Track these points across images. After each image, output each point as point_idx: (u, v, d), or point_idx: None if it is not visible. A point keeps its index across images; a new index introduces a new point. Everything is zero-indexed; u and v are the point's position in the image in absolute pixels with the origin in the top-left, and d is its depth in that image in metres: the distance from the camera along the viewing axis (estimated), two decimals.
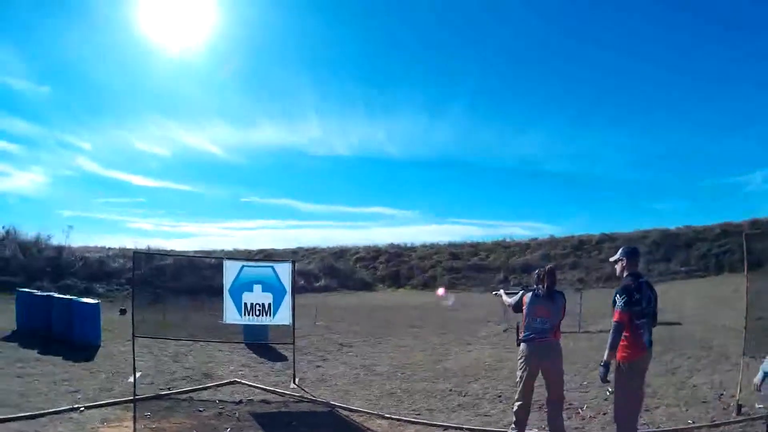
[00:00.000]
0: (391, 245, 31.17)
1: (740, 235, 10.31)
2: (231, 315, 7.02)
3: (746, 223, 24.42)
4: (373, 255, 30.10)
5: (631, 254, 4.30)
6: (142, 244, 25.20)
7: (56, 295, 11.14)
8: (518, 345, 4.84)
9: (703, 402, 6.13)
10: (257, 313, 7.09)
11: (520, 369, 4.75)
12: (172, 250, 26.11)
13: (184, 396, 6.60)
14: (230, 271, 7.04)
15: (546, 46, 52.32)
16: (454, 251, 29.89)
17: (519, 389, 4.76)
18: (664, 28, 48.41)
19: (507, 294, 5.37)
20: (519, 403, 4.75)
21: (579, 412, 5.86)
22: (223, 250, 28.72)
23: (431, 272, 27.71)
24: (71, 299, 10.48)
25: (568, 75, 52.85)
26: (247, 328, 9.12)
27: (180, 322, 10.62)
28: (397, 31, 53.48)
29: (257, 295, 7.07)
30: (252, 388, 7.12)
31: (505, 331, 11.86)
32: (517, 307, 4.89)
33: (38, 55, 44.96)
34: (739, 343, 6.00)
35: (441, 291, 23.84)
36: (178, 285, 16.06)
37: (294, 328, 7.48)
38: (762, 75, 43.95)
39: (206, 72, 48.83)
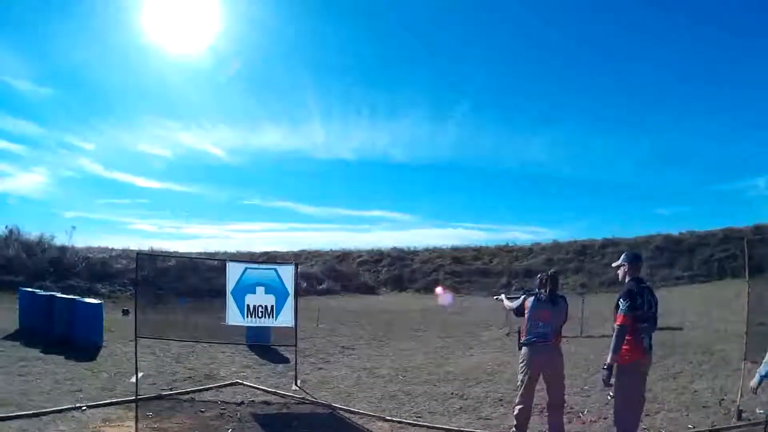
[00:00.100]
0: (394, 249, 31.17)
1: (743, 240, 10.30)
2: (234, 317, 7.03)
3: (749, 228, 24.34)
4: (376, 258, 30.12)
5: (634, 260, 4.34)
6: (144, 245, 25.27)
7: (59, 294, 11.17)
8: (520, 349, 4.85)
9: (704, 407, 6.12)
10: (260, 315, 7.11)
11: (522, 372, 4.76)
12: (175, 252, 26.23)
13: (186, 396, 6.63)
14: (233, 272, 7.05)
15: (550, 50, 52.49)
16: (457, 255, 29.87)
17: (520, 392, 4.78)
18: (668, 32, 48.42)
19: (508, 298, 5.39)
20: (520, 406, 4.76)
21: (580, 417, 5.85)
22: (225, 252, 28.82)
23: (434, 276, 27.71)
24: (74, 299, 10.51)
25: (572, 80, 52.96)
26: (250, 330, 9.14)
27: (182, 324, 10.65)
28: (401, 35, 53.69)
29: (260, 297, 7.07)
30: (254, 390, 7.14)
31: (507, 335, 11.85)
32: (520, 311, 4.91)
33: (41, 56, 45.28)
34: (741, 348, 6.00)
35: (439, 290, 23.89)
36: (180, 286, 16.09)
37: (296, 331, 7.50)
38: (767, 80, 43.94)
39: (209, 74, 49.03)
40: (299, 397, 6.81)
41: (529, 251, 29.54)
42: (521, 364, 4.78)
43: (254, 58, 53.18)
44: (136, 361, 6.25)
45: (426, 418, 5.97)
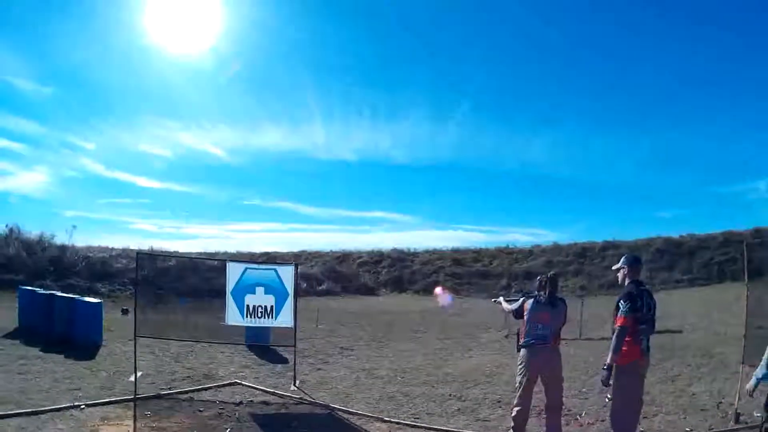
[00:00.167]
0: (394, 250, 31.14)
1: (743, 243, 10.31)
2: (233, 317, 7.05)
3: (749, 232, 24.32)
4: (376, 259, 30.09)
5: (634, 262, 4.37)
6: (145, 245, 25.26)
7: (59, 293, 11.20)
8: (518, 351, 4.86)
9: (702, 410, 6.13)
10: (259, 315, 7.13)
11: (520, 374, 4.77)
12: (175, 252, 26.23)
13: (185, 396, 6.63)
14: (233, 273, 7.07)
15: (550, 51, 52.54)
16: (457, 257, 29.85)
17: (518, 394, 4.79)
18: (668, 33, 48.47)
19: (507, 301, 5.40)
20: (518, 408, 4.77)
21: (578, 419, 5.86)
22: (225, 252, 28.82)
23: (434, 277, 27.70)
24: (73, 298, 10.53)
25: (572, 80, 53.00)
26: (249, 330, 9.14)
27: (182, 323, 10.66)
28: (401, 35, 53.76)
29: (260, 298, 7.10)
30: (252, 390, 7.14)
31: (506, 336, 11.84)
32: (519, 313, 4.92)
33: (42, 55, 45.34)
34: (740, 351, 6.01)
35: (439, 290, 23.88)
36: (180, 286, 16.10)
37: (296, 331, 7.51)
38: (767, 83, 43.97)
39: (210, 74, 49.04)
40: (298, 398, 6.81)
41: (529, 253, 29.52)
42: (520, 366, 4.79)
43: (255, 58, 53.33)
44: (135, 360, 6.27)
45: (424, 419, 5.97)
